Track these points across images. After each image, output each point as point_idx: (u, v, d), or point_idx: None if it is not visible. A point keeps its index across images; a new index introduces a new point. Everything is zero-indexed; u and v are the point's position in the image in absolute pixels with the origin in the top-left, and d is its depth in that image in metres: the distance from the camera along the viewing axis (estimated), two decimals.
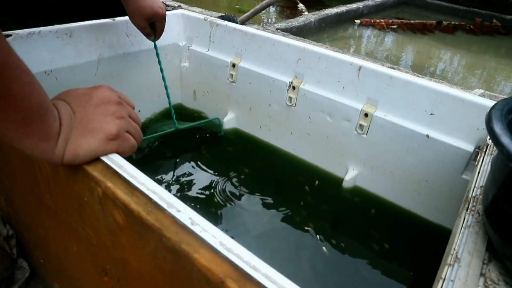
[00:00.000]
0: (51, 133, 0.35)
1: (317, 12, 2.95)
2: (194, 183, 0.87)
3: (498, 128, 0.32)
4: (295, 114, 0.90)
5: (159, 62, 0.91)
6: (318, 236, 0.74)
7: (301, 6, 3.28)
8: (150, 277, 0.37)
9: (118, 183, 0.36)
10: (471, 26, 3.51)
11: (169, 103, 0.92)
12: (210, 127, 1.05)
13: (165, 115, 1.09)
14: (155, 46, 0.89)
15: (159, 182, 0.87)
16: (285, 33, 2.19)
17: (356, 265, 0.69)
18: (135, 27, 0.82)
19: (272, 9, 3.57)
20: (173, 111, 0.92)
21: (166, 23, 0.85)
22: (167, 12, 0.94)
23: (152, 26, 0.84)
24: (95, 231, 0.42)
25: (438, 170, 0.73)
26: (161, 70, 0.91)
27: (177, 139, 1.01)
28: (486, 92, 1.53)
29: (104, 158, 0.39)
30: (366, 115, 0.78)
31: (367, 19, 3.30)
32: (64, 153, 0.37)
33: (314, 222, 0.77)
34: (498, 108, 0.36)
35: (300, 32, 2.53)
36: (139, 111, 1.04)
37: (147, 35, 0.85)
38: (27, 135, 0.33)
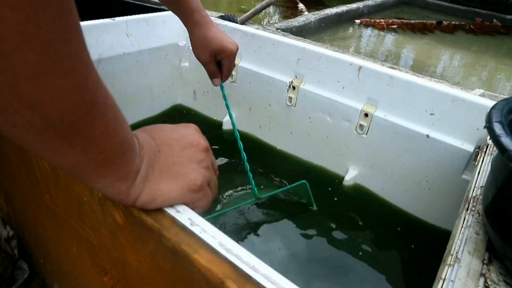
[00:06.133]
0: (129, 173, 0.30)
1: (317, 12, 2.95)
2: None
3: (498, 128, 0.32)
4: (295, 114, 0.90)
5: (227, 106, 0.78)
6: (318, 235, 0.74)
7: (301, 6, 3.28)
8: (149, 278, 0.37)
9: None
10: (471, 26, 3.52)
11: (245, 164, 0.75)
12: (297, 193, 0.84)
13: (165, 115, 1.09)
14: (221, 88, 0.77)
15: None
16: (285, 33, 2.19)
17: (356, 265, 0.69)
18: (135, 27, 0.79)
19: (272, 9, 3.57)
20: (253, 182, 0.74)
21: (166, 23, 0.81)
22: (167, 12, 0.94)
23: (219, 64, 0.72)
24: (94, 231, 0.42)
25: (438, 170, 0.72)
26: (230, 116, 0.79)
27: None
28: (486, 92, 1.53)
29: None
30: (366, 115, 0.78)
31: (367, 19, 3.31)
32: (140, 195, 0.32)
33: (313, 222, 0.77)
34: (498, 108, 0.36)
35: (300, 32, 2.53)
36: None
37: (211, 75, 0.72)
38: (103, 175, 0.29)
